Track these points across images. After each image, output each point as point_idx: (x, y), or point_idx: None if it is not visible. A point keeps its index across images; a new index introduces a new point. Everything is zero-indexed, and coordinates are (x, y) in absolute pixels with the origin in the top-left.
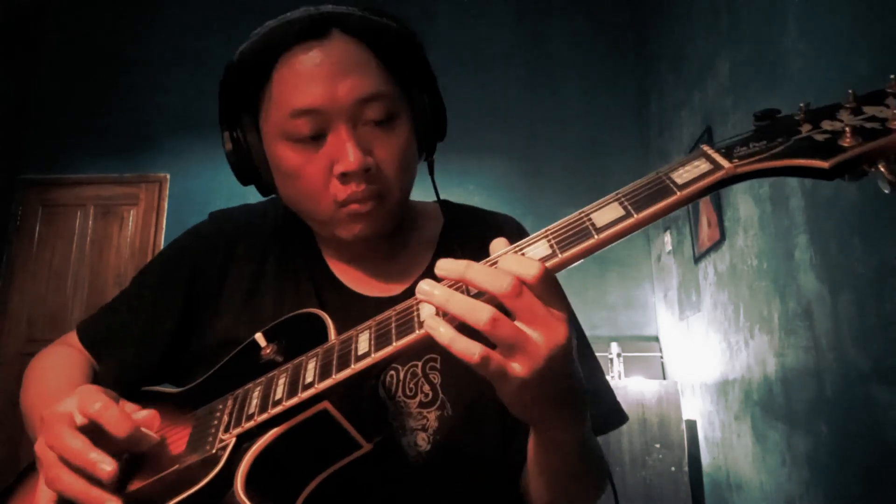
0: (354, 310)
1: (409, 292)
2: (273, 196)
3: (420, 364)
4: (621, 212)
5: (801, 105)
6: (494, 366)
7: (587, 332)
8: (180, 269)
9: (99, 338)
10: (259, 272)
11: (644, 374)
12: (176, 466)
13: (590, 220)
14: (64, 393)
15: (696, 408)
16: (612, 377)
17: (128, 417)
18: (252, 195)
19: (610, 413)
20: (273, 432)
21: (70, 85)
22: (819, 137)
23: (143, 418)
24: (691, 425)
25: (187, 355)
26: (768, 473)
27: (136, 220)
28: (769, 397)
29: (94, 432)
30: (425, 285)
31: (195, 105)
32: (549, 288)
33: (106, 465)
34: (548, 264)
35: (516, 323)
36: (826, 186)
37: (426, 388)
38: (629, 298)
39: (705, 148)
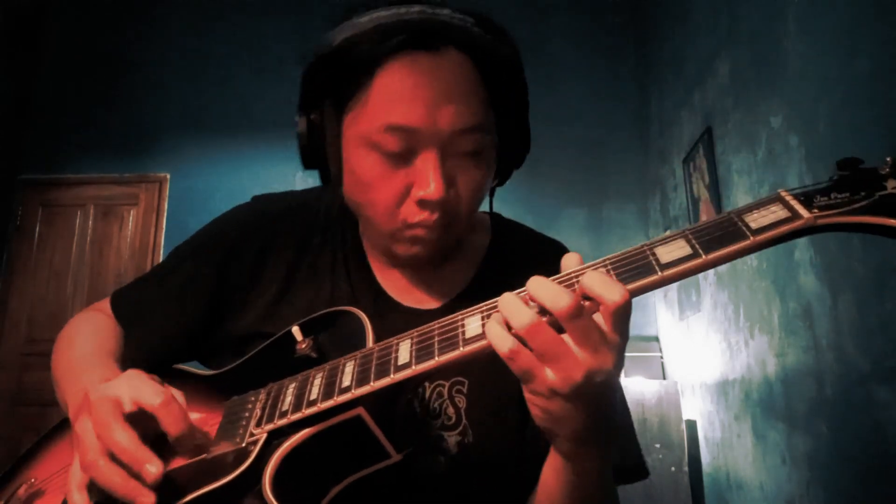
0: (388, 317)
1: (446, 309)
2: (320, 187)
3: (447, 385)
4: (688, 250)
5: (888, 159)
6: (523, 363)
7: None
8: (216, 250)
9: (129, 311)
10: (297, 263)
11: (644, 374)
12: (204, 455)
13: (653, 254)
14: (94, 360)
15: (696, 408)
16: None
17: (185, 417)
18: (251, 195)
19: (630, 463)
20: (305, 432)
21: (70, 85)
22: None
23: (195, 422)
24: (691, 425)
25: (216, 337)
26: (768, 473)
27: (136, 220)
28: (769, 397)
29: (138, 418)
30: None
31: (195, 105)
32: (622, 316)
33: (153, 468)
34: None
35: (564, 336)
36: None
37: (450, 410)
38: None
39: (783, 193)
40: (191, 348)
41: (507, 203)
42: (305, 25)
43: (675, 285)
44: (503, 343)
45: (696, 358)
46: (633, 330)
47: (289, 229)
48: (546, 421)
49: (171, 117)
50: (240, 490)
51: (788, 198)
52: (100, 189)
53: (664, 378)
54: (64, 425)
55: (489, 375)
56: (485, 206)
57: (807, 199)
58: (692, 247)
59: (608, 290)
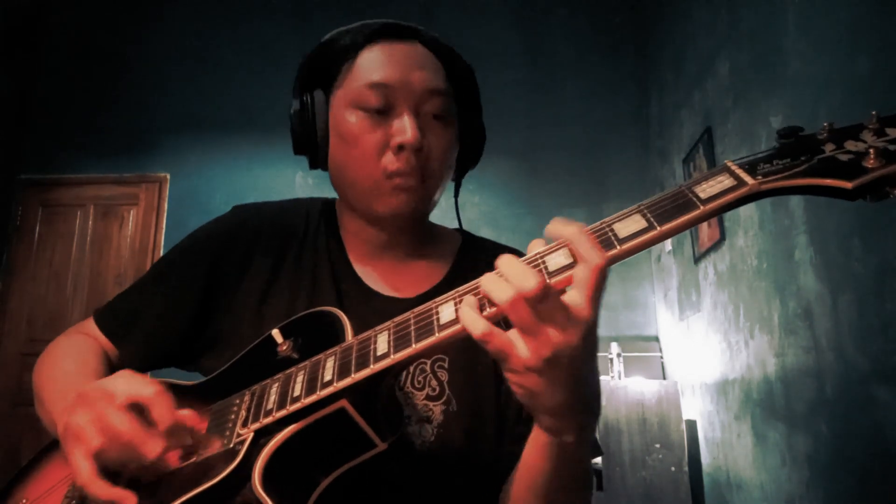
0: (371, 304)
1: (423, 297)
2: (301, 198)
3: (429, 362)
4: (644, 223)
5: (825, 124)
6: (496, 344)
7: None
8: (200, 259)
9: (116, 324)
10: (277, 267)
11: (644, 374)
12: (193, 459)
13: (612, 230)
14: (77, 377)
15: (696, 408)
16: (612, 377)
17: (173, 411)
18: (251, 199)
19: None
20: (291, 428)
21: (70, 85)
22: (843, 158)
23: (185, 415)
24: (691, 425)
25: (202, 343)
26: (768, 473)
27: (136, 220)
28: (769, 397)
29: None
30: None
31: (195, 105)
32: (597, 286)
33: (156, 445)
34: (568, 274)
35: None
36: None
37: (433, 382)
38: (629, 298)
39: (729, 163)
40: (178, 354)
41: (508, 203)
42: (305, 25)
43: (674, 285)
44: (476, 326)
45: (696, 358)
46: (633, 330)
47: (270, 235)
48: (525, 396)
49: (171, 117)
50: (230, 489)
51: (734, 167)
52: (100, 189)
53: (664, 378)
54: (53, 446)
55: (467, 350)
56: (450, 207)
57: (751, 167)
58: (647, 220)
59: (590, 254)
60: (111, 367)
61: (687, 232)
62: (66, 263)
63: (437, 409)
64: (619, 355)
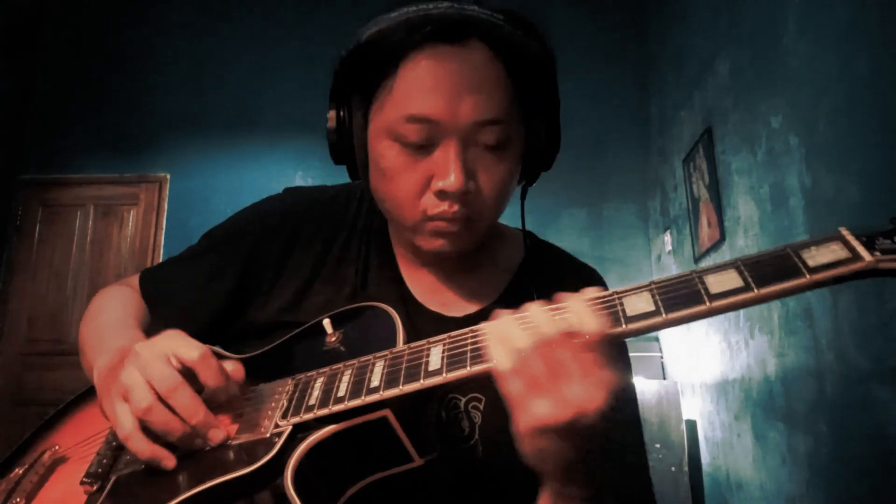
0: (412, 318)
1: (474, 318)
2: (352, 182)
3: (463, 400)
4: (740, 283)
5: None
6: (517, 390)
7: None
8: (244, 239)
9: (154, 290)
10: (323, 256)
11: (644, 374)
12: (229, 441)
13: (703, 283)
14: (121, 327)
15: (696, 408)
16: None
17: (221, 370)
18: (249, 202)
19: (638, 496)
20: (330, 428)
21: (70, 85)
22: None
23: (232, 371)
24: (691, 425)
25: (238, 324)
26: (768, 473)
27: (136, 220)
28: (769, 397)
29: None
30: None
31: (195, 105)
32: (600, 352)
33: (218, 434)
34: (649, 322)
35: (560, 370)
36: (826, 186)
37: (465, 423)
38: None
39: (844, 231)
40: (212, 331)
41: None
42: (306, 25)
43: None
44: (506, 361)
45: (696, 358)
46: None
47: (317, 223)
48: (533, 457)
49: (171, 117)
50: (261, 480)
51: (849, 237)
52: (100, 189)
53: (664, 378)
54: (88, 394)
55: None
56: (517, 210)
57: (869, 241)
58: (744, 279)
59: (587, 320)
60: (149, 329)
61: (687, 232)
62: (66, 263)
63: (462, 453)
64: None
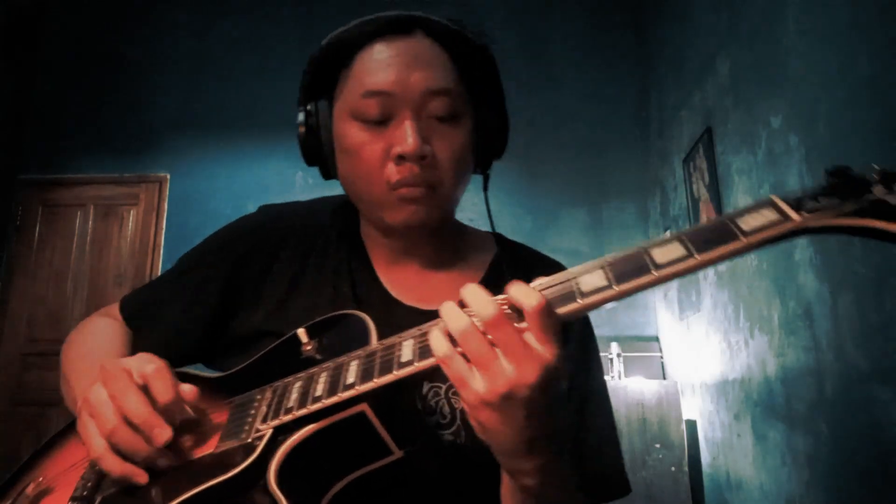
0: (391, 314)
1: None
2: (325, 197)
3: (444, 386)
4: (683, 251)
5: (876, 167)
6: (454, 370)
7: None
8: (225, 257)
9: (138, 313)
10: (302, 266)
11: (644, 374)
12: (211, 450)
13: (649, 255)
14: (101, 359)
15: (696, 408)
16: (612, 377)
17: (173, 388)
18: (249, 202)
19: (610, 479)
20: (309, 428)
21: (70, 85)
22: (893, 201)
23: (186, 392)
24: (691, 425)
25: (222, 342)
26: (768, 473)
27: (136, 220)
28: (769, 397)
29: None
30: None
31: (195, 105)
32: (542, 326)
33: (162, 434)
34: (602, 295)
35: (496, 349)
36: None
37: (446, 409)
38: (629, 298)
39: (774, 197)
40: (198, 350)
41: (508, 203)
42: (305, 25)
43: (674, 285)
44: (441, 347)
45: (696, 358)
46: (633, 330)
47: (295, 235)
48: (480, 432)
49: (171, 117)
50: (245, 483)
51: (779, 201)
52: (100, 189)
53: (664, 378)
54: (71, 427)
55: None
56: (479, 203)
57: (797, 203)
58: (686, 248)
59: (526, 296)
60: (133, 352)
61: None
62: (66, 263)
63: (444, 439)
64: (619, 355)
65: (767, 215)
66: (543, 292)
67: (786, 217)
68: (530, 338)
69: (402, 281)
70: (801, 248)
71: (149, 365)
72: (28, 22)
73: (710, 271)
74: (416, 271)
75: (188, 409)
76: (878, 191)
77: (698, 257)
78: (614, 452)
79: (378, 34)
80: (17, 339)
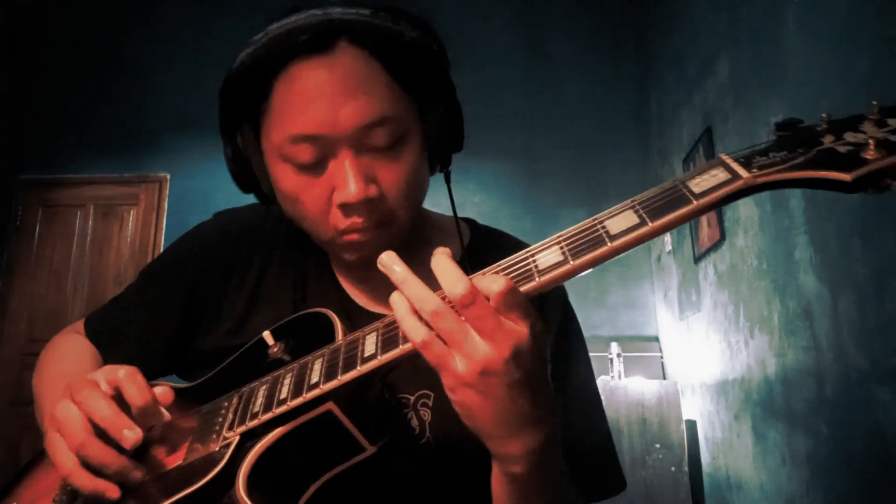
0: (354, 321)
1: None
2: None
3: (412, 398)
4: (636, 220)
5: (824, 115)
6: (435, 353)
7: (588, 332)
8: (183, 269)
9: (102, 333)
10: (262, 275)
11: (644, 374)
12: (178, 463)
13: (603, 227)
14: (74, 377)
15: (696, 408)
16: (612, 377)
17: (147, 389)
18: (249, 202)
19: (605, 476)
20: (277, 432)
21: (70, 85)
22: (842, 149)
23: (160, 394)
24: (691, 425)
25: (189, 354)
26: (768, 473)
27: (136, 220)
28: (769, 397)
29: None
30: (386, 258)
31: (195, 105)
32: (510, 305)
33: (131, 434)
34: (559, 271)
35: (466, 325)
36: None
37: (414, 422)
38: (629, 298)
39: (723, 157)
40: (166, 365)
41: (508, 203)
42: None
43: (674, 285)
44: (418, 332)
45: (696, 358)
46: (633, 330)
47: (253, 242)
48: (465, 417)
49: (171, 117)
50: (213, 494)
51: (729, 160)
52: (100, 189)
53: (664, 378)
54: (45, 453)
55: None
56: (442, 195)
57: (747, 161)
58: (639, 216)
59: (490, 283)
60: None
61: (687, 232)
62: (66, 263)
63: (413, 449)
64: (619, 355)
65: (718, 175)
66: (505, 273)
67: (736, 175)
68: (500, 315)
69: (364, 286)
70: (802, 249)
71: (119, 370)
72: (28, 22)
73: (711, 271)
74: (380, 275)
75: (164, 411)
76: (828, 140)
77: (652, 224)
78: (606, 445)
79: (295, 54)
80: (17, 338)
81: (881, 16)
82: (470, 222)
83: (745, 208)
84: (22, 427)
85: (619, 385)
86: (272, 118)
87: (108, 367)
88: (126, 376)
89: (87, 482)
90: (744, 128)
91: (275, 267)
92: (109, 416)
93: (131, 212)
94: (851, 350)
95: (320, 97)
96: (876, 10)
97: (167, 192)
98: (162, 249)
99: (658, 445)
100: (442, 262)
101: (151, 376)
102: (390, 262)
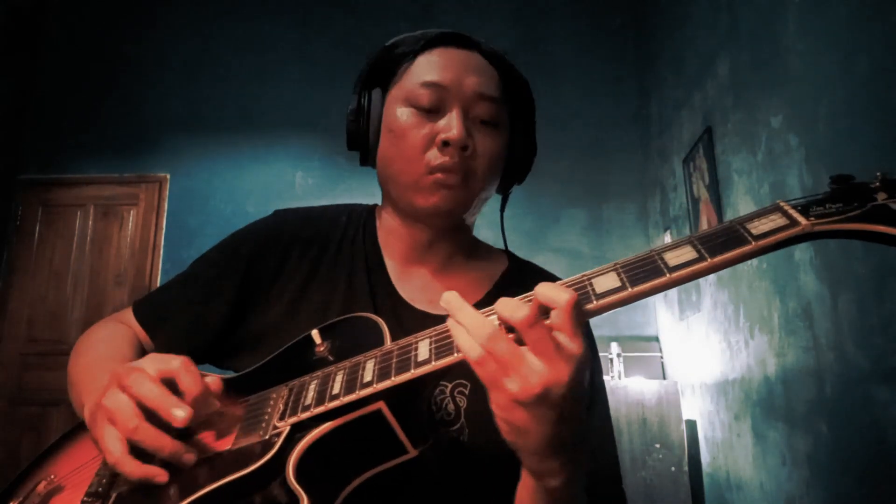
0: (401, 318)
1: None
2: (341, 204)
3: (449, 386)
4: (695, 254)
5: (878, 174)
6: (489, 371)
7: None
8: (238, 259)
9: (153, 315)
10: (315, 265)
11: (644, 374)
12: (228, 447)
13: (662, 259)
14: (109, 363)
15: (696, 408)
16: (612, 377)
17: (201, 379)
18: (249, 202)
19: (605, 482)
20: (327, 425)
21: (70, 85)
22: (895, 206)
23: (211, 382)
24: (691, 425)
25: (233, 340)
26: (768, 473)
27: (136, 220)
28: (769, 397)
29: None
30: (449, 295)
31: (195, 105)
32: (574, 322)
33: (180, 412)
34: (616, 296)
35: (523, 349)
36: (826, 186)
37: (451, 406)
38: None
39: (781, 203)
40: (212, 349)
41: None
42: (305, 26)
43: None
44: (474, 349)
45: (696, 358)
46: (633, 330)
47: (310, 236)
48: (510, 434)
49: (171, 117)
50: (264, 478)
51: (787, 207)
52: (100, 189)
53: (664, 378)
54: (80, 428)
55: None
56: (495, 217)
57: (804, 209)
58: (697, 251)
59: (557, 293)
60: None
61: (687, 232)
62: (66, 263)
63: (448, 436)
64: (619, 355)
65: (777, 220)
66: (620, 269)
67: (794, 222)
68: (559, 335)
69: (414, 283)
70: (801, 249)
71: (173, 360)
72: (28, 22)
73: None
74: (430, 271)
75: (215, 401)
76: (881, 196)
77: (711, 259)
78: (612, 460)
79: (442, 42)
80: (17, 339)
81: (881, 16)
82: (509, 254)
83: (745, 208)
84: (23, 427)
85: (619, 385)
86: (409, 73)
87: (157, 356)
88: (181, 367)
89: (135, 468)
90: (744, 128)
91: (330, 256)
92: (159, 397)
93: (131, 212)
94: (851, 350)
95: (454, 64)
96: (876, 10)
97: (167, 192)
98: (162, 249)
99: (658, 445)
100: (505, 299)
101: (195, 358)
102: (449, 297)
